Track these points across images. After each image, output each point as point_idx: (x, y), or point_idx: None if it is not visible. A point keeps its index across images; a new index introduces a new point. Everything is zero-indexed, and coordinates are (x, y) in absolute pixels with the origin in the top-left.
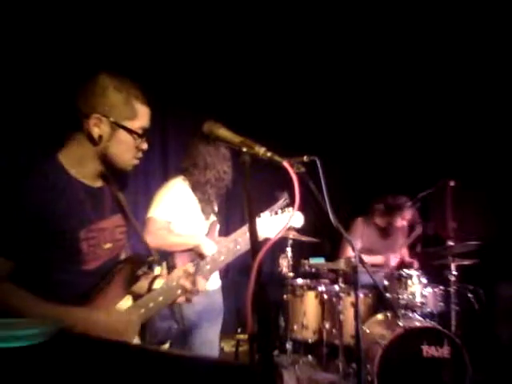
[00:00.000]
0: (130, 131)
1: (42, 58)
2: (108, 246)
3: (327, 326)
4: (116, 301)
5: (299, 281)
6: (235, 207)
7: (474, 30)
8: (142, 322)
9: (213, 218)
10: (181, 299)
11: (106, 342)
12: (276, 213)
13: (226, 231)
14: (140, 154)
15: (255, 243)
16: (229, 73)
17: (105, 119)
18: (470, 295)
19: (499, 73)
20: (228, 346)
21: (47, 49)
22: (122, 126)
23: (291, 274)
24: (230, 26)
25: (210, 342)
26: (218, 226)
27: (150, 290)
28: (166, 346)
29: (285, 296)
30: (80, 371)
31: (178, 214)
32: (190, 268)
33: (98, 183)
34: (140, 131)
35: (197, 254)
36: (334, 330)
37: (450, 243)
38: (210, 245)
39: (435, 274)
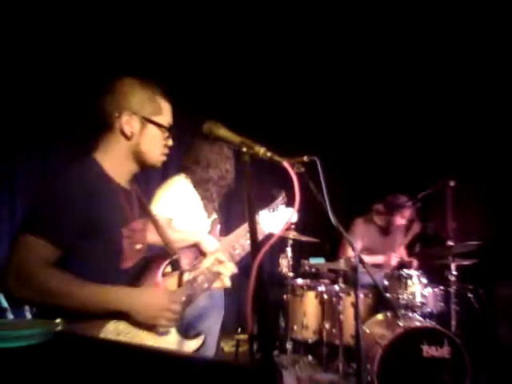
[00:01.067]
0: (158, 125)
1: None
2: (139, 247)
3: (327, 326)
4: None
5: (299, 281)
6: (235, 207)
7: (474, 30)
8: (183, 309)
9: (214, 216)
10: (217, 284)
11: (106, 342)
12: (273, 210)
13: (226, 230)
14: (167, 150)
15: (255, 243)
16: (229, 73)
17: (135, 116)
18: (470, 295)
19: (499, 73)
20: (228, 346)
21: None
22: (151, 120)
23: (291, 274)
24: (231, 26)
25: (209, 341)
26: (218, 223)
27: (180, 284)
28: (201, 339)
29: (285, 296)
30: (80, 371)
31: (180, 210)
32: (221, 256)
33: (128, 186)
34: (166, 125)
35: (198, 251)
36: (333, 330)
37: (450, 243)
38: (212, 241)
39: (435, 274)
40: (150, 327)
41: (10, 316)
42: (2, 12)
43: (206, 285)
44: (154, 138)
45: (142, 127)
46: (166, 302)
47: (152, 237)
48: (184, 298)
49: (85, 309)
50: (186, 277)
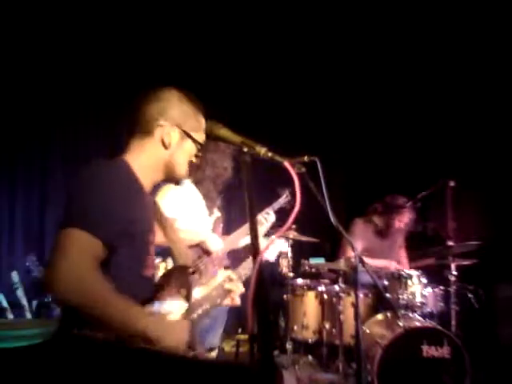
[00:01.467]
0: (196, 142)
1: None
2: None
3: (327, 326)
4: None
5: (299, 281)
6: (235, 206)
7: (474, 31)
8: (192, 328)
9: (217, 213)
10: (226, 302)
11: (107, 343)
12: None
13: (226, 230)
14: (190, 166)
15: (256, 243)
16: (229, 73)
17: (177, 128)
18: (470, 295)
19: (499, 73)
20: (228, 346)
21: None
22: (191, 136)
23: (291, 274)
24: (231, 26)
25: (211, 343)
26: (220, 221)
27: (188, 298)
28: (215, 353)
29: (285, 296)
30: (80, 371)
31: (183, 210)
32: (232, 275)
33: (149, 192)
34: (202, 143)
35: (203, 250)
36: (333, 330)
37: (450, 243)
38: (216, 240)
39: (435, 274)
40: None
41: (10, 316)
42: (5, 13)
43: (218, 300)
44: (187, 152)
45: (181, 140)
46: (186, 336)
47: (157, 237)
48: (195, 316)
49: (113, 325)
50: (201, 292)
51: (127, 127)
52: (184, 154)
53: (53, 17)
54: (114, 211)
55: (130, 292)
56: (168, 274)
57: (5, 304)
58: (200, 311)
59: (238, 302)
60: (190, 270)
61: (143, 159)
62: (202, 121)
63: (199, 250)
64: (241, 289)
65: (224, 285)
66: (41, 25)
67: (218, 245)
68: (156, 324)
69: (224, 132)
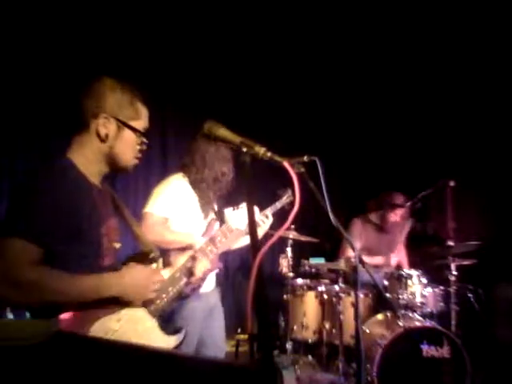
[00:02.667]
0: (134, 130)
1: (44, 62)
2: (117, 245)
3: (327, 326)
4: None
5: (299, 281)
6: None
7: (473, 30)
8: (159, 313)
9: (212, 216)
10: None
11: (107, 343)
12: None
13: None
14: (139, 154)
15: (256, 243)
16: (229, 73)
17: (112, 119)
18: (470, 295)
19: (499, 73)
20: (228, 346)
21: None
22: (128, 125)
23: (291, 274)
24: (230, 26)
25: (219, 342)
26: (216, 225)
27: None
28: (183, 333)
29: (285, 296)
30: (80, 371)
31: (176, 210)
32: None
33: (100, 185)
34: (142, 131)
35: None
36: (333, 330)
37: (450, 243)
38: None
39: (435, 274)
40: (144, 305)
41: (10, 316)
42: (2, 11)
43: (182, 282)
44: (128, 141)
45: (118, 130)
46: (147, 273)
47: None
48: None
49: (80, 300)
50: (165, 274)
51: (67, 124)
52: (124, 143)
53: (50, 16)
54: (55, 217)
55: None
56: (129, 262)
57: None
58: (165, 296)
59: (200, 275)
60: (151, 256)
61: (85, 154)
62: (141, 108)
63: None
64: (205, 266)
65: (186, 264)
66: (40, 22)
67: None
68: (115, 281)
69: (223, 132)
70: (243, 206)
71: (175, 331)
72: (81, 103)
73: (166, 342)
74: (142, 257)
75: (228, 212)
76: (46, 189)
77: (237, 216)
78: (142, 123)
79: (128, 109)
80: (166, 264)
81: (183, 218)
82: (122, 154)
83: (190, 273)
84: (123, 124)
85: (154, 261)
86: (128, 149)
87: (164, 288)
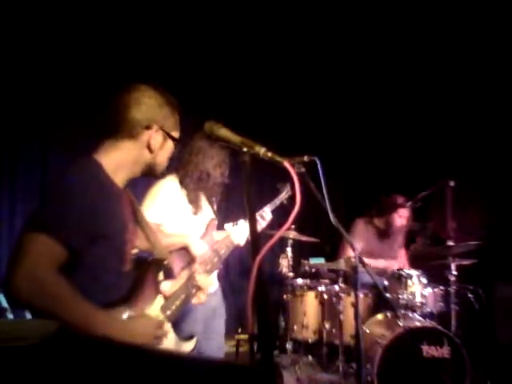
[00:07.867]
0: (176, 141)
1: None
2: (135, 251)
3: (327, 326)
4: (150, 302)
5: (299, 281)
6: (234, 206)
7: (473, 30)
8: (171, 321)
9: (211, 216)
10: (195, 300)
11: (107, 342)
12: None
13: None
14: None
15: (256, 243)
16: (229, 73)
17: (160, 131)
18: (470, 295)
19: (498, 73)
20: (228, 346)
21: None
22: (172, 136)
23: (291, 274)
24: (230, 26)
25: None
26: (215, 225)
27: (156, 291)
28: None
29: (285, 296)
30: (80, 371)
31: (169, 214)
32: (198, 269)
33: (122, 188)
34: (178, 139)
35: (188, 254)
36: (333, 330)
37: (450, 243)
38: (200, 245)
39: (435, 274)
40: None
41: (10, 316)
42: (5, 11)
43: (192, 290)
44: (169, 151)
45: (164, 141)
46: (152, 330)
47: (141, 242)
48: (169, 313)
49: (75, 326)
50: (167, 286)
51: (100, 127)
52: (166, 153)
53: (51, 16)
54: (83, 217)
55: (108, 290)
56: (142, 268)
57: (5, 304)
58: (174, 306)
59: (202, 299)
60: (165, 263)
61: (117, 159)
62: (178, 117)
63: (185, 253)
64: (208, 283)
65: (192, 282)
66: (38, 21)
67: (203, 250)
68: (115, 328)
69: (224, 132)
70: (241, 222)
71: (189, 337)
72: (126, 113)
73: (181, 347)
74: (156, 263)
75: (228, 228)
76: (82, 192)
77: (237, 232)
78: (178, 133)
79: (171, 120)
80: (166, 271)
81: (177, 220)
82: (162, 163)
83: (197, 288)
84: (168, 135)
85: (167, 268)
86: (167, 158)
87: (177, 295)
